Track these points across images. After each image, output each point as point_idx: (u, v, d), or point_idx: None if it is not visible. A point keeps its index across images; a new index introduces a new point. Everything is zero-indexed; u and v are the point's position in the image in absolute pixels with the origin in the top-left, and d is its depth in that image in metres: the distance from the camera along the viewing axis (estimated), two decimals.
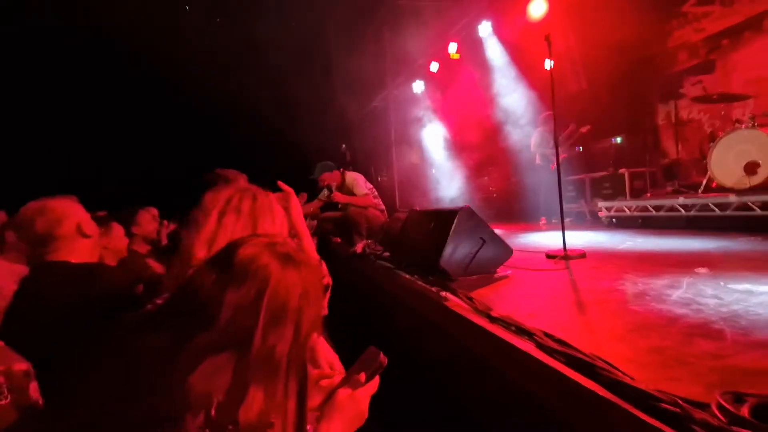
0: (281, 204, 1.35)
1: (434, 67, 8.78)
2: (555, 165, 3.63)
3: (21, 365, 0.96)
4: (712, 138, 5.01)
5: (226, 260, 0.82)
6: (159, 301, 1.00)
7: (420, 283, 2.90)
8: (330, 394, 0.97)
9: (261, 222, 1.21)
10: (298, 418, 0.82)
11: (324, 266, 1.53)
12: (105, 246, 2.05)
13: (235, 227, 1.18)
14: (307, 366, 0.89)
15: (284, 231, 1.33)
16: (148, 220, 2.97)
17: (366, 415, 0.97)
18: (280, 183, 1.81)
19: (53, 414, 0.85)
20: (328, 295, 1.51)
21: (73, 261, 1.56)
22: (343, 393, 0.96)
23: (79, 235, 1.60)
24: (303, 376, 0.84)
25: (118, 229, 2.32)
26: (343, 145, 5.76)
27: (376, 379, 0.99)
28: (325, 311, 1.46)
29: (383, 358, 1.00)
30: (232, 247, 0.85)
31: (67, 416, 0.77)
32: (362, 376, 0.98)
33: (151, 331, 0.78)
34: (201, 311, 0.75)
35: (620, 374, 1.20)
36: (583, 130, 6.47)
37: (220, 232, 1.16)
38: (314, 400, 1.01)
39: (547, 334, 1.58)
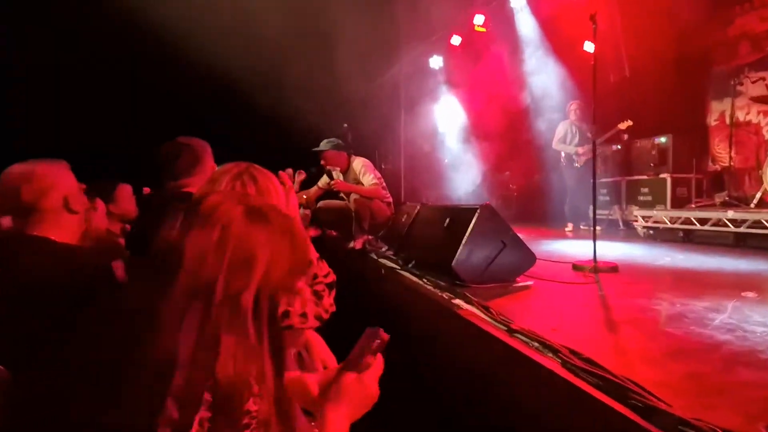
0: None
1: (456, 40, 8.80)
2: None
3: None
4: None
5: (194, 208, 0.92)
6: None
7: (428, 287, 2.97)
8: (335, 378, 1.04)
9: (268, 200, 1.31)
10: (276, 363, 0.90)
11: (325, 263, 1.62)
12: (88, 223, 2.11)
13: None
14: (280, 319, 0.99)
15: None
16: (127, 197, 3.02)
17: (377, 397, 1.03)
18: (282, 174, 1.90)
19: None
20: (333, 293, 1.59)
21: (54, 238, 1.60)
22: (350, 377, 1.03)
23: (65, 209, 1.64)
24: (275, 326, 0.92)
25: (101, 207, 2.37)
26: (345, 125, 5.77)
27: (381, 359, 1.06)
28: (333, 308, 1.55)
29: (384, 334, 1.06)
30: (199, 196, 0.96)
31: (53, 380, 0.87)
32: (368, 359, 1.04)
33: (134, 290, 0.89)
34: (170, 256, 0.86)
35: (654, 399, 1.27)
36: (623, 126, 6.40)
37: None
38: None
39: (573, 352, 1.64)
